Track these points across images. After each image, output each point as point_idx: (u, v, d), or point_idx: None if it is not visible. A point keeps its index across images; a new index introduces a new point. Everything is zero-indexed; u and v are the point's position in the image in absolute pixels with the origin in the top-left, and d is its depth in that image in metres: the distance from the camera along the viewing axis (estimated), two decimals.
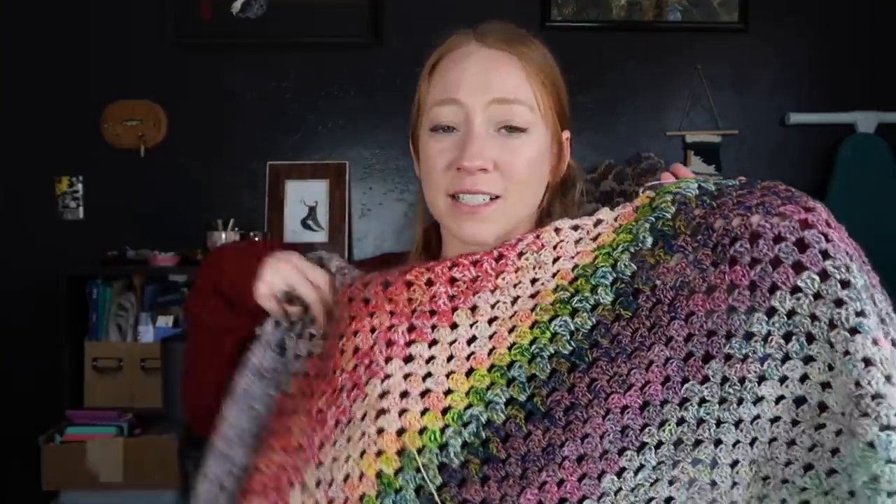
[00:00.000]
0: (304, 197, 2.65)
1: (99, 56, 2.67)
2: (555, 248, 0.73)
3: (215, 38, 2.66)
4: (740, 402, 0.64)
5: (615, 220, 0.73)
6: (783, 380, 0.63)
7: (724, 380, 0.64)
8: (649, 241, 0.69)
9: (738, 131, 2.67)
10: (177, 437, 2.34)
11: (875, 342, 0.59)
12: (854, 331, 0.60)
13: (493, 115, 0.82)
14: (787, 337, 0.63)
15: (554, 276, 0.71)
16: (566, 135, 0.90)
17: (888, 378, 0.58)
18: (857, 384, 0.58)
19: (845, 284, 0.62)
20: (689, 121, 2.69)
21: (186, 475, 2.36)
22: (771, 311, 0.63)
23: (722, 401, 0.64)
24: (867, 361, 0.59)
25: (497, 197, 0.82)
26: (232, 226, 2.60)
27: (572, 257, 0.72)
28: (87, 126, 2.65)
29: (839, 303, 0.61)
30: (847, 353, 0.60)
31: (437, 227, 0.94)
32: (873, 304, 0.63)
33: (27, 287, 2.65)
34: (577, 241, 0.73)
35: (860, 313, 0.60)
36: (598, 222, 0.74)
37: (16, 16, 2.67)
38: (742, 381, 0.64)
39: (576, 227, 0.74)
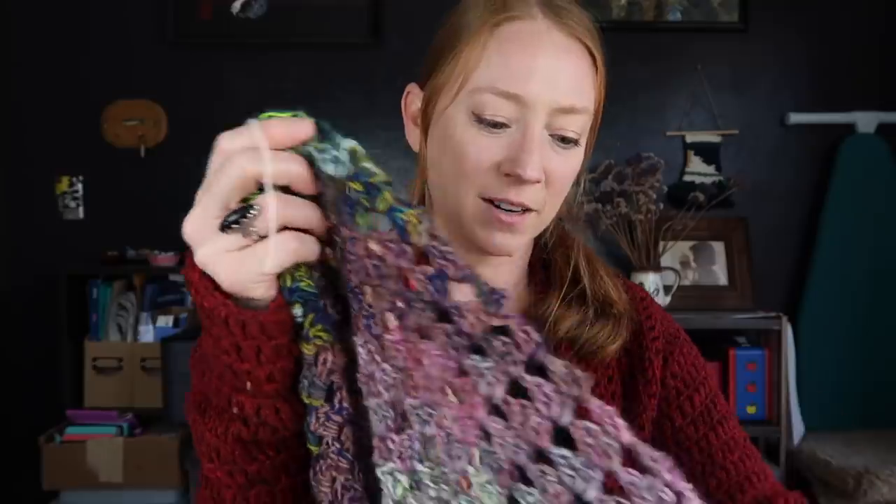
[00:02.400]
0: None
1: (99, 56, 2.67)
2: None
3: (215, 38, 2.66)
4: None
5: None
6: None
7: None
8: None
9: (737, 131, 2.67)
10: (177, 437, 2.35)
11: None
12: None
13: (553, 121, 0.70)
14: None
15: None
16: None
17: None
18: None
19: None
20: (689, 121, 2.68)
21: (186, 475, 2.37)
22: None
23: None
24: None
25: (531, 210, 0.71)
26: None
27: None
28: (87, 126, 2.65)
29: None
30: None
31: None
32: None
33: (27, 287, 2.65)
34: None
35: None
36: None
37: (16, 16, 2.67)
38: None
39: None
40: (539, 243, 0.83)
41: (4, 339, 2.67)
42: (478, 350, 0.47)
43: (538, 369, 0.47)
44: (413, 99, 0.78)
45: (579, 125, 0.71)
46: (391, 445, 0.47)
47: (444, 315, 0.48)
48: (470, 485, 0.46)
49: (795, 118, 2.64)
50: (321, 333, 0.51)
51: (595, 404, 0.46)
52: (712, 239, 2.63)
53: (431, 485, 0.46)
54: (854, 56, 2.67)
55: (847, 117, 2.63)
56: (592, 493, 0.44)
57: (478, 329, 0.47)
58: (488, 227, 0.70)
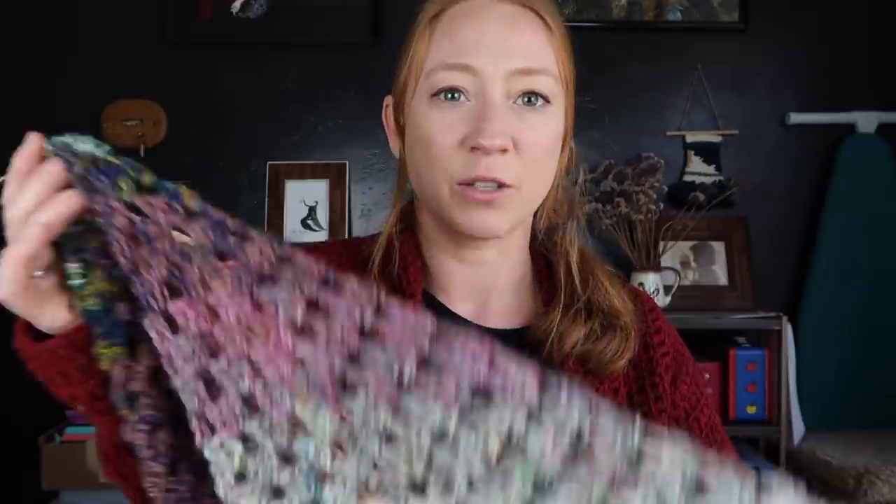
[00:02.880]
0: (304, 197, 2.65)
1: (98, 56, 2.67)
2: None
3: (215, 38, 2.66)
4: None
5: None
6: None
7: None
8: None
9: (738, 131, 2.67)
10: None
11: None
12: None
13: (512, 86, 0.69)
14: None
15: None
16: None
17: None
18: None
19: None
20: (689, 121, 2.68)
21: None
22: None
23: None
24: None
25: (508, 186, 0.69)
26: None
27: None
28: (86, 126, 2.63)
29: None
30: None
31: (413, 209, 0.80)
32: None
33: None
34: None
35: None
36: None
37: (14, 16, 2.67)
38: None
39: None
40: (535, 235, 0.81)
41: (4, 338, 2.66)
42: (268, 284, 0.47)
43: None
44: (390, 111, 0.81)
45: (542, 84, 0.70)
46: (211, 417, 0.45)
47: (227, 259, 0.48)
48: (302, 419, 0.44)
49: (796, 118, 2.64)
50: (105, 350, 0.51)
51: (395, 304, 0.46)
52: (712, 239, 2.63)
53: (267, 438, 0.45)
54: (854, 56, 2.67)
55: (847, 117, 2.62)
56: (408, 367, 0.44)
57: (266, 261, 0.47)
58: (466, 208, 0.70)
